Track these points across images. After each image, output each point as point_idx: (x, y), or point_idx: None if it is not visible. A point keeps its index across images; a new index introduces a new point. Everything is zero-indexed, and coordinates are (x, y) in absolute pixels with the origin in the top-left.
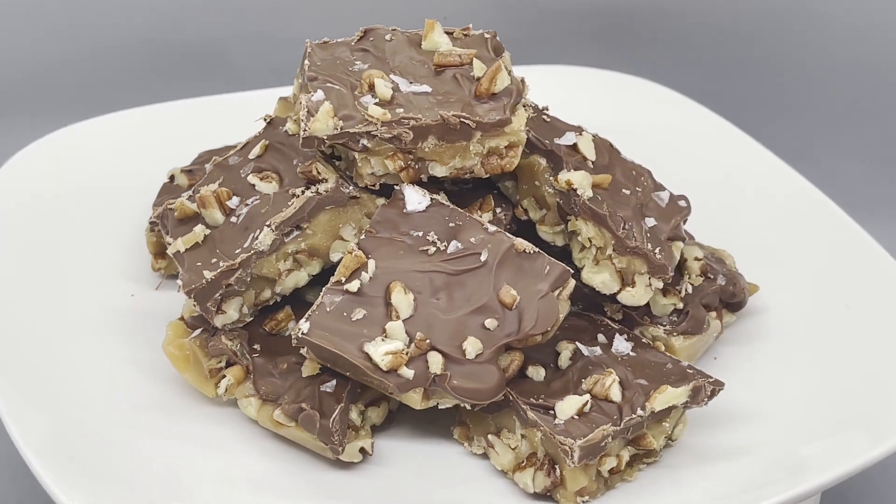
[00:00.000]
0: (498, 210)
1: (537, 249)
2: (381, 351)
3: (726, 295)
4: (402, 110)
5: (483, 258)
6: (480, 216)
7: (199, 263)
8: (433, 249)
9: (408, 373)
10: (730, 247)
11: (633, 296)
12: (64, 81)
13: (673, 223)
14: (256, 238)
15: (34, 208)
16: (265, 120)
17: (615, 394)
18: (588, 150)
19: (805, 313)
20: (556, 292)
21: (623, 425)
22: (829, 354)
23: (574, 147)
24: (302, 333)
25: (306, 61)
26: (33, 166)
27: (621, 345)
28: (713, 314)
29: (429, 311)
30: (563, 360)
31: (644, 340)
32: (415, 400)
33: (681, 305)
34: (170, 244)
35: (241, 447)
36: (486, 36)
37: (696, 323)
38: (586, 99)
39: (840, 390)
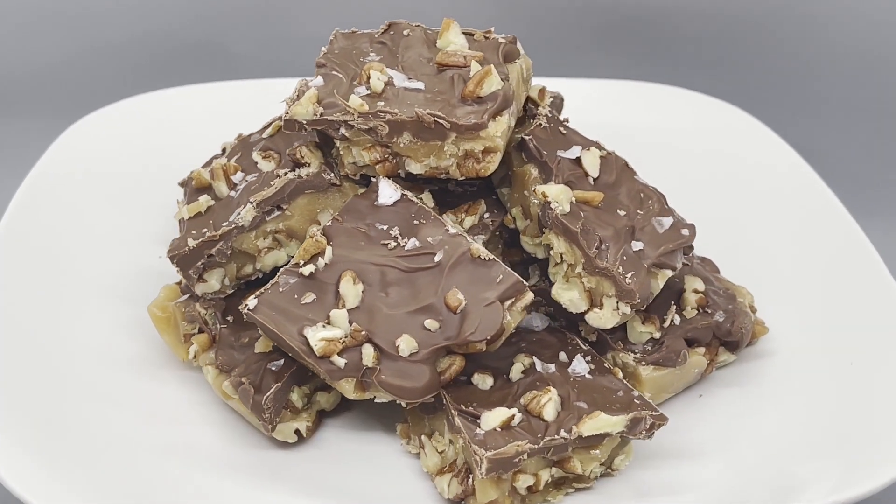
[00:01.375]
0: (486, 216)
1: (493, 257)
2: (318, 336)
3: (721, 332)
4: (382, 103)
5: (437, 259)
6: (463, 219)
7: (193, 231)
8: (393, 244)
9: (340, 361)
10: (754, 273)
11: (600, 318)
12: (95, 69)
13: (663, 250)
14: (240, 213)
15: (93, 176)
16: (287, 103)
17: (548, 412)
18: (591, 166)
19: (808, 364)
20: (508, 303)
21: (542, 445)
22: (816, 410)
23: (577, 161)
24: (248, 309)
25: (324, 48)
26: (87, 139)
27: (580, 366)
28: (701, 350)
29: (375, 303)
30: (515, 373)
31: (606, 365)
32: (347, 389)
33: (658, 335)
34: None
35: (193, 412)
36: (502, 41)
37: (670, 356)
38: (641, 113)
39: (808, 446)
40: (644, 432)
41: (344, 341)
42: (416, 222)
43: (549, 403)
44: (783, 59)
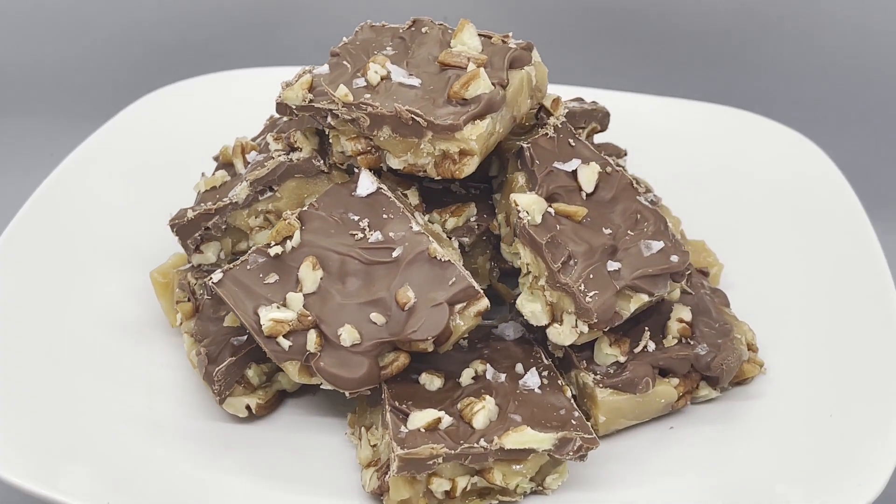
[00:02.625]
0: (472, 219)
1: (449, 259)
2: (268, 316)
3: (701, 365)
4: (369, 96)
5: (395, 254)
6: (447, 220)
7: (201, 203)
8: (360, 235)
9: (284, 343)
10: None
11: (559, 333)
12: (134, 51)
13: (640, 273)
14: (236, 190)
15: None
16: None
17: (478, 420)
18: (586, 181)
19: (791, 411)
20: (459, 306)
21: (459, 451)
22: (780, 460)
23: (573, 174)
24: (213, 282)
25: (345, 38)
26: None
27: (532, 380)
28: (675, 381)
29: (330, 291)
30: (465, 378)
31: (560, 382)
32: (292, 372)
33: (622, 359)
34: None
35: (166, 376)
36: (513, 46)
37: (630, 381)
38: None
39: (761, 495)
40: (572, 453)
41: (292, 324)
42: (384, 216)
43: (481, 412)
44: (772, 58)
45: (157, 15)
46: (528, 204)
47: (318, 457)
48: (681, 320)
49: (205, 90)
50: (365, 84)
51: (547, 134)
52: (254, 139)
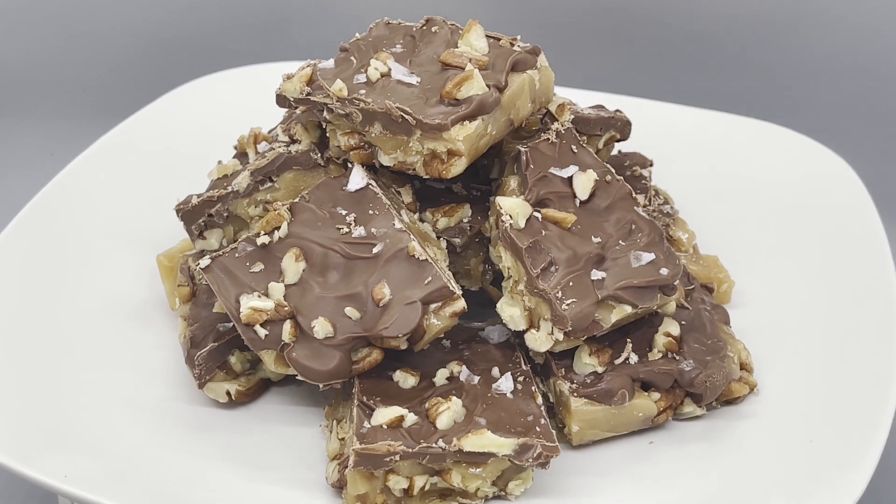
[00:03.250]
0: (466, 220)
1: (426, 258)
2: (248, 304)
3: (684, 381)
4: (364, 92)
5: (375, 250)
6: (438, 219)
7: (209, 191)
8: (345, 230)
9: (261, 332)
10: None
11: (535, 340)
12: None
13: (624, 284)
14: (238, 179)
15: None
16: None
17: (442, 421)
18: (581, 188)
19: (773, 435)
20: (434, 306)
21: (417, 450)
22: (749, 485)
23: (568, 181)
24: (200, 267)
25: (358, 34)
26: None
27: (505, 384)
28: (656, 396)
29: (310, 283)
30: (440, 378)
31: (533, 388)
32: (268, 361)
33: (600, 370)
34: None
35: (156, 358)
36: (517, 49)
37: (605, 393)
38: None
39: None
40: (532, 460)
41: (269, 314)
42: (370, 212)
43: (445, 412)
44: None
45: (157, 14)
46: (511, 207)
47: (292, 446)
48: (668, 334)
49: (231, 83)
50: (365, 80)
51: (549, 139)
52: (269, 130)
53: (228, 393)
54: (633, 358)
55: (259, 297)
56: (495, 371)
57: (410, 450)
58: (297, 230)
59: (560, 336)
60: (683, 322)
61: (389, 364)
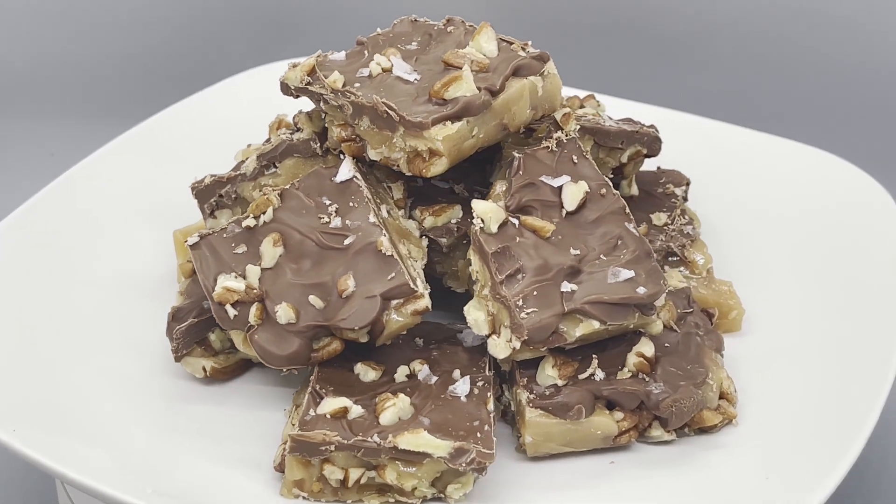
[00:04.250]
0: (453, 221)
1: (393, 254)
2: (222, 284)
3: (650, 404)
4: (358, 85)
5: (347, 242)
6: (425, 218)
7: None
8: (325, 220)
9: (231, 312)
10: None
11: (495, 346)
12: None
13: (594, 299)
14: (246, 162)
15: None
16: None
17: (385, 417)
18: (569, 199)
19: (735, 470)
20: (395, 302)
21: (351, 442)
22: None
23: (558, 190)
24: (189, 244)
25: (379, 29)
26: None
27: (462, 387)
28: (619, 415)
29: (284, 269)
30: (400, 375)
31: (489, 395)
32: (237, 341)
33: (560, 383)
34: None
35: (149, 331)
36: (522, 54)
37: (561, 407)
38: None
39: None
40: (466, 465)
41: (240, 295)
42: (350, 204)
43: (390, 408)
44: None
45: (159, 15)
46: (484, 211)
47: (255, 427)
48: (641, 355)
49: (268, 78)
50: (367, 74)
51: (548, 147)
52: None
53: (205, 369)
54: (600, 375)
55: (236, 277)
56: (456, 373)
57: (345, 441)
58: (281, 216)
59: (517, 344)
60: (667, 344)
61: (355, 356)
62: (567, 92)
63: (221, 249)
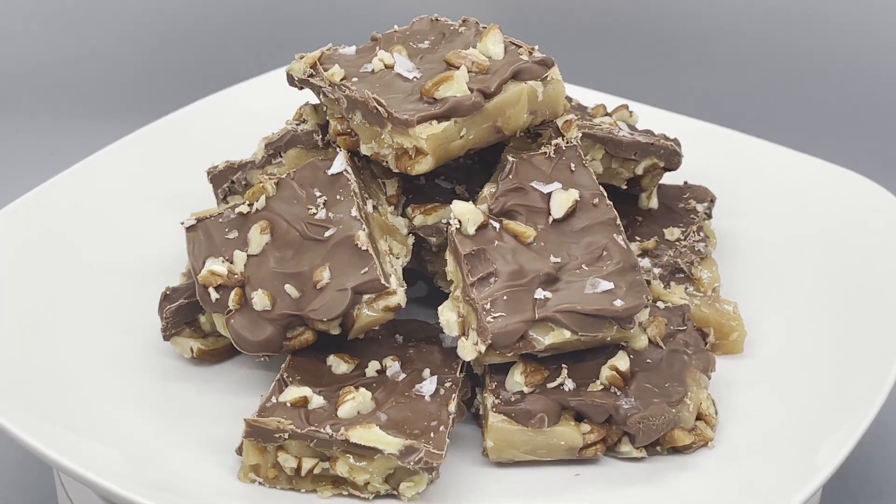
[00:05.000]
0: (444, 221)
1: (368, 249)
2: (209, 267)
3: (618, 419)
4: (356, 79)
5: (327, 234)
6: (415, 216)
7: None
8: (313, 211)
9: (213, 294)
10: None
11: (463, 348)
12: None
13: (565, 308)
14: (255, 151)
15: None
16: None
17: (343, 409)
18: (557, 206)
19: (695, 497)
20: (367, 297)
21: (304, 432)
22: None
23: (547, 197)
24: (185, 226)
25: (396, 26)
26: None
27: (428, 387)
28: (586, 428)
29: (268, 256)
30: (371, 370)
31: (453, 397)
32: (219, 324)
33: (527, 390)
34: None
35: (149, 312)
36: (524, 57)
37: (524, 414)
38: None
39: None
40: (415, 464)
41: (223, 279)
42: (337, 197)
43: (350, 402)
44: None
45: (161, 15)
46: (461, 212)
47: (233, 410)
48: (614, 368)
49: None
50: (370, 70)
51: (546, 154)
52: None
53: (192, 349)
54: (570, 385)
55: (223, 261)
56: (426, 373)
57: (299, 430)
58: (273, 205)
59: (482, 347)
60: (649, 360)
61: (335, 347)
62: (595, 99)
63: (215, 233)
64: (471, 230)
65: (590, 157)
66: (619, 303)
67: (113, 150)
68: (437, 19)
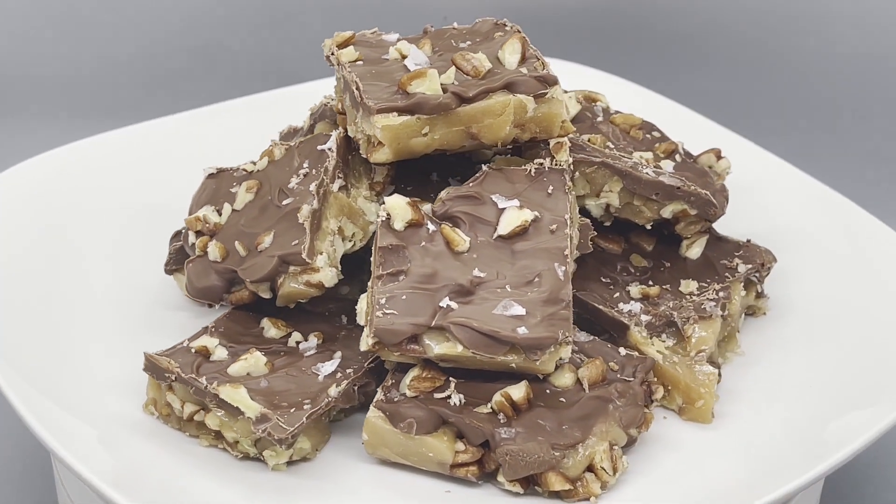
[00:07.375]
0: None
1: (304, 224)
2: (196, 212)
3: (493, 445)
4: (361, 62)
5: (285, 202)
6: None
7: None
8: (291, 180)
9: (191, 238)
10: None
11: (362, 339)
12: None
13: (460, 321)
14: None
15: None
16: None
17: (234, 368)
18: (504, 224)
19: None
20: (293, 268)
21: (185, 377)
22: None
23: (500, 212)
24: (206, 174)
25: (455, 23)
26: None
27: (327, 367)
28: (461, 446)
29: (244, 214)
30: (291, 340)
31: (344, 382)
32: None
33: (410, 394)
34: None
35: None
36: (525, 72)
37: (395, 415)
38: None
39: None
40: (261, 432)
41: (201, 226)
42: (313, 171)
43: (242, 362)
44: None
45: (163, 16)
46: (391, 206)
47: None
48: (506, 396)
49: None
50: (386, 58)
51: (527, 171)
52: None
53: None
54: (457, 400)
55: (213, 210)
56: (337, 355)
57: (183, 375)
58: (270, 168)
59: (370, 341)
60: (562, 399)
61: (280, 314)
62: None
63: (223, 185)
64: (398, 225)
65: (607, 188)
66: (522, 330)
67: (130, 130)
68: (498, 23)
